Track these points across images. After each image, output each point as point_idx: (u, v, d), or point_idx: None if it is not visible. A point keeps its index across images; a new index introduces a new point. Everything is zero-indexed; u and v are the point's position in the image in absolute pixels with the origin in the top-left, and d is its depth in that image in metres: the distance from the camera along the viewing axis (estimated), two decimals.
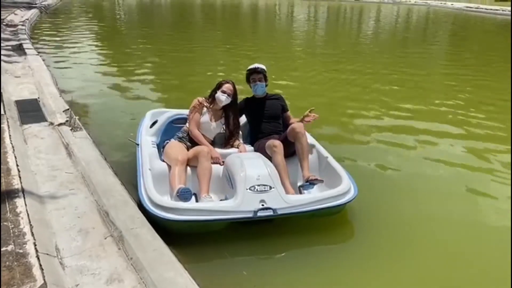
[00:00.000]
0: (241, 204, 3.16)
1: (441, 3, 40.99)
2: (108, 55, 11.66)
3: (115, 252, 2.67)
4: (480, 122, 6.48)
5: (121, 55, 11.43)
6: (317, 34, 19.52)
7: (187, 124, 4.15)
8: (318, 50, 14.62)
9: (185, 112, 4.45)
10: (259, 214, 3.14)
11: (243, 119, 4.47)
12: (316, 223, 3.49)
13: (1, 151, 3.90)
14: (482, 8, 34.65)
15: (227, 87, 4.09)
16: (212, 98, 4.15)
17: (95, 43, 13.57)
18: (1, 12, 17.71)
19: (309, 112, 4.23)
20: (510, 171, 4.72)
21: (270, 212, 3.17)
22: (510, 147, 5.45)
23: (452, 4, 39.10)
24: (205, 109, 4.12)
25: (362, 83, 8.87)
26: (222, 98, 4.06)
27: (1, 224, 2.75)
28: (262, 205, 3.18)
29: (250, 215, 3.13)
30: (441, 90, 8.47)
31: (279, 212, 3.19)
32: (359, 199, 3.56)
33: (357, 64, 11.22)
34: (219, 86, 4.13)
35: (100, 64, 10.03)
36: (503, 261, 3.16)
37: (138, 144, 4.18)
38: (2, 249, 2.49)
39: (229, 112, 4.19)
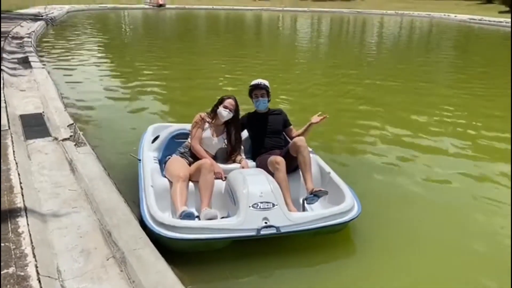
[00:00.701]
0: (244, 222, 3.13)
1: (444, 15, 41.08)
2: (114, 68, 11.74)
3: (117, 274, 2.63)
4: (487, 135, 6.44)
5: (127, 68, 11.50)
6: (320, 46, 19.57)
7: (189, 139, 4.15)
8: (322, 62, 14.66)
9: (187, 127, 4.46)
10: (262, 232, 3.11)
11: (244, 134, 4.47)
12: (319, 240, 3.46)
13: (5, 167, 3.89)
14: (486, 20, 34.67)
15: (229, 102, 4.11)
16: (214, 114, 4.16)
17: (101, 55, 13.68)
18: (8, 24, 17.90)
19: (317, 115, 4.32)
20: None
21: (273, 230, 3.13)
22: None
23: (455, 16, 39.17)
24: (207, 124, 4.13)
25: (367, 96, 8.84)
26: (224, 114, 4.08)
27: (3, 244, 2.72)
28: (265, 222, 3.15)
29: (253, 233, 3.11)
30: (445, 103, 8.42)
31: (282, 230, 3.16)
32: (362, 216, 3.52)
33: (360, 77, 11.21)
34: (221, 101, 4.15)
35: (106, 78, 10.08)
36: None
37: (140, 160, 4.18)
38: (3, 272, 2.46)
39: (231, 127, 4.20)
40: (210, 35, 23.15)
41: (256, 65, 12.58)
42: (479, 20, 35.43)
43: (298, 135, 4.30)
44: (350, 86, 10.00)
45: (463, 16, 38.63)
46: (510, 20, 30.45)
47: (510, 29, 27.74)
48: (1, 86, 6.98)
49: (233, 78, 10.45)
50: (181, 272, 2.87)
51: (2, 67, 8.59)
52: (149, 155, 4.21)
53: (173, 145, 4.37)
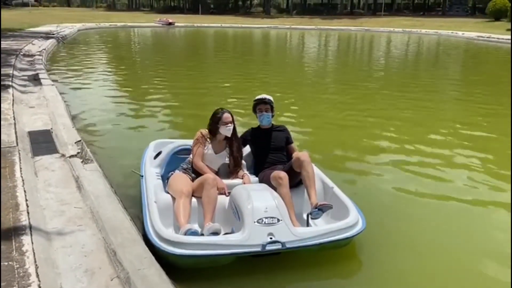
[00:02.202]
0: (249, 238, 3.12)
1: (451, 32, 41.15)
2: (122, 85, 11.84)
3: None
4: (495, 152, 6.35)
5: (135, 86, 11.58)
6: (327, 63, 19.63)
7: (191, 156, 4.15)
8: (329, 79, 14.67)
9: (188, 142, 4.47)
10: (268, 248, 3.09)
11: (246, 149, 4.47)
12: (323, 255, 3.43)
13: (11, 184, 3.88)
14: (494, 38, 34.60)
15: (226, 117, 4.08)
16: (214, 131, 4.14)
17: (110, 73, 13.83)
18: (20, 42, 18.23)
19: None
20: None
21: (278, 246, 3.12)
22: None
23: (463, 33, 39.20)
24: (208, 141, 4.14)
25: (373, 113, 8.79)
26: (227, 130, 4.08)
27: (7, 263, 2.68)
28: (271, 238, 3.13)
29: (259, 248, 3.08)
30: (454, 119, 8.34)
31: (288, 245, 3.14)
32: (366, 230, 3.50)
33: (367, 94, 11.18)
34: (217, 119, 4.09)
35: (114, 95, 10.15)
36: None
37: (142, 176, 4.18)
38: None
39: (232, 141, 4.20)
40: (218, 53, 23.36)
41: (264, 84, 12.61)
42: (487, 37, 35.36)
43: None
44: (356, 102, 9.97)
45: (470, 33, 38.63)
46: None
47: None
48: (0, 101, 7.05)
49: (241, 95, 10.45)
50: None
51: (12, 84, 8.71)
52: (151, 171, 4.21)
53: (176, 161, 4.38)
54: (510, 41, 30.71)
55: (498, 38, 33.96)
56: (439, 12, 68.63)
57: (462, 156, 6.18)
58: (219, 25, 48.27)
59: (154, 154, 4.58)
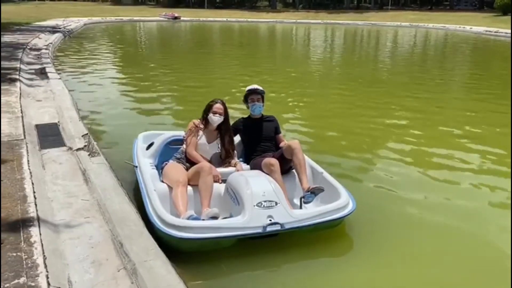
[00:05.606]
0: (250, 220, 3.28)
1: (459, 27, 40.74)
2: (129, 79, 11.86)
3: (128, 286, 2.60)
4: (487, 143, 6.40)
5: (142, 79, 11.60)
6: (334, 58, 19.55)
7: (184, 145, 4.24)
8: (336, 74, 14.62)
9: (180, 133, 4.61)
10: (268, 229, 3.27)
11: (237, 138, 4.61)
12: (316, 236, 3.58)
13: (19, 177, 3.91)
14: (502, 32, 34.23)
15: (217, 107, 4.22)
16: (205, 120, 4.26)
17: (116, 67, 13.87)
18: (26, 36, 18.30)
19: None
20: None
21: (278, 227, 3.30)
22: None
23: (471, 28, 38.82)
24: (200, 131, 4.23)
25: (375, 106, 8.77)
26: (215, 119, 4.20)
27: (15, 254, 2.72)
28: (270, 220, 3.30)
29: (260, 230, 3.26)
30: (453, 116, 8.28)
31: (286, 226, 3.32)
32: (356, 212, 3.66)
33: (370, 88, 11.14)
34: (209, 108, 4.25)
35: (121, 88, 10.19)
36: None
37: (136, 166, 4.29)
38: (13, 282, 2.45)
39: (224, 131, 4.31)
40: (224, 47, 23.32)
41: (269, 76, 12.59)
42: (495, 32, 34.99)
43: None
44: (361, 96, 9.94)
45: (478, 28, 38.24)
46: None
47: None
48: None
49: (241, 88, 10.44)
50: (186, 277, 2.88)
51: (19, 78, 8.76)
52: (145, 161, 4.32)
53: (168, 151, 4.48)
54: None
55: (506, 33, 33.58)
56: (446, 6, 68.00)
57: (460, 140, 6.40)
58: (225, 19, 48.11)
59: (144, 145, 4.71)
